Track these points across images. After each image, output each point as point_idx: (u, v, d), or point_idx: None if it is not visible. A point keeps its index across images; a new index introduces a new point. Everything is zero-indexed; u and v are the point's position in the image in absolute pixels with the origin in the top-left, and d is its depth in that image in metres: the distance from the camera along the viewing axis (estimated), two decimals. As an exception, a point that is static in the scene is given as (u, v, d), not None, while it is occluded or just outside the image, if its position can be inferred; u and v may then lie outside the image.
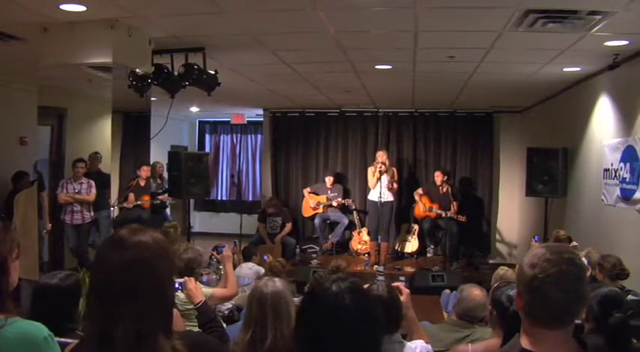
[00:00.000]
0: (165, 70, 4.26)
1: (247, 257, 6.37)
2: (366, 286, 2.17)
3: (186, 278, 2.68)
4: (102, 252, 1.35)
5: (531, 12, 3.35)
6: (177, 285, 2.62)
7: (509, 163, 8.29)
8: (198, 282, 3.74)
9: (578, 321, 2.51)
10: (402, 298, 2.34)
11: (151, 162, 7.87)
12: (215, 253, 4.09)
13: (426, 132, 8.55)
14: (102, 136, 6.32)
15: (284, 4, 3.33)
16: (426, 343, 2.23)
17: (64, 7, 3.37)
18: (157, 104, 5.07)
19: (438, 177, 7.50)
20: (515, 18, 3.47)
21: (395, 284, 2.38)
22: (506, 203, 8.43)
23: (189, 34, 4.05)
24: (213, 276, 5.03)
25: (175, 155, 6.22)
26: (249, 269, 5.78)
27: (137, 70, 4.19)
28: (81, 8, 3.40)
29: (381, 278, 5.41)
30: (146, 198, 6.63)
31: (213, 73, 4.41)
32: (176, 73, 4.28)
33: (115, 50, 3.71)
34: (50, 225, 6.21)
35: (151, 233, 1.35)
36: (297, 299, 2.18)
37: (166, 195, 7.16)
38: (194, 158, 6.23)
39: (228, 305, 4.20)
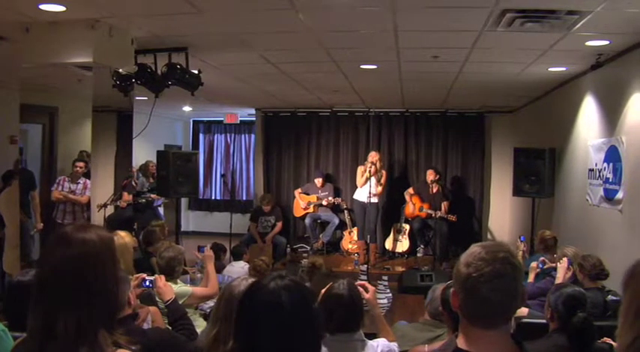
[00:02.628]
0: (149, 70, 4.27)
1: (237, 256, 6.39)
2: (328, 285, 2.19)
3: (156, 276, 2.70)
4: (47, 247, 1.37)
5: (508, 11, 3.34)
6: (148, 283, 2.65)
7: (500, 163, 8.27)
8: (179, 281, 3.77)
9: (542, 320, 2.54)
10: (368, 296, 2.35)
11: (145, 161, 7.93)
12: (197, 253, 4.13)
13: (417, 132, 8.55)
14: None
15: (261, 4, 3.33)
16: (390, 341, 2.24)
17: (44, 6, 3.38)
18: (149, 103, 5.08)
19: (430, 175, 7.48)
20: (493, 17, 3.46)
21: (359, 282, 2.39)
22: (498, 202, 8.43)
23: (171, 34, 4.05)
24: (199, 275, 5.04)
25: (164, 154, 6.23)
26: (242, 268, 5.81)
27: (120, 70, 4.21)
28: (60, 8, 3.40)
29: (363, 277, 5.43)
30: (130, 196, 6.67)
31: (196, 72, 4.42)
32: (159, 73, 4.29)
33: (95, 50, 3.71)
34: (42, 224, 6.23)
35: (96, 230, 1.38)
36: None
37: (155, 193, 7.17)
38: (183, 157, 6.23)
39: (210, 303, 4.20)
